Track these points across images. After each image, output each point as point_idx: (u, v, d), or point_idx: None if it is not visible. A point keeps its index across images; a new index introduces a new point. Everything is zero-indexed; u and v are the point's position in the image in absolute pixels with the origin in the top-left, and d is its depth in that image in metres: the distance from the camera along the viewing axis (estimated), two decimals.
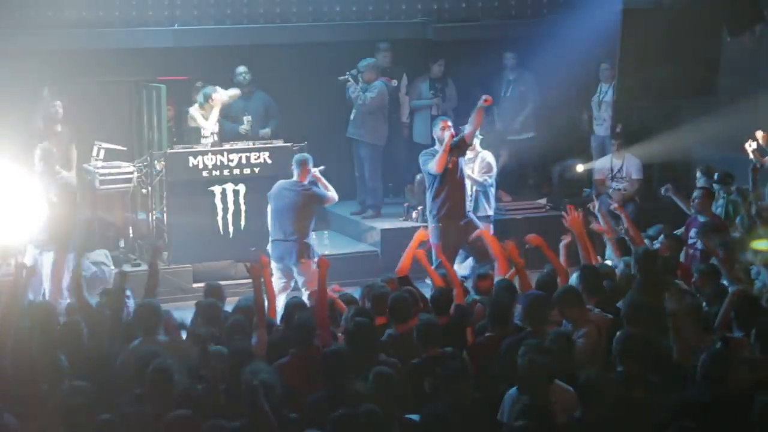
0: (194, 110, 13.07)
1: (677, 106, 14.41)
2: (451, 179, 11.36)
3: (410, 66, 14.37)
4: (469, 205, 11.81)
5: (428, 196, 11.55)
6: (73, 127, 12.85)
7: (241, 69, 13.61)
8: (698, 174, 11.98)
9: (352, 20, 14.48)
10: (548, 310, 7.89)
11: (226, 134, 13.30)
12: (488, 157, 12.28)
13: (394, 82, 13.94)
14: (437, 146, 11.39)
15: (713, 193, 11.38)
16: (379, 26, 14.57)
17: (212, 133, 12.98)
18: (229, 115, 13.52)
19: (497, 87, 14.74)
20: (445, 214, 11.35)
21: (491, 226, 12.18)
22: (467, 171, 11.78)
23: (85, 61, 13.56)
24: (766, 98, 13.66)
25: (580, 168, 14.00)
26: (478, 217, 11.93)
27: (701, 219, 11.04)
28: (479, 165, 12.17)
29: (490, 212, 12.34)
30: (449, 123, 11.47)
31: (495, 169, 12.34)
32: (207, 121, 12.95)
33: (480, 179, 12.15)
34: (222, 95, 13.04)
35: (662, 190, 11.75)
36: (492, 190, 12.33)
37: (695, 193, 11.23)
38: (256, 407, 6.31)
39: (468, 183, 11.74)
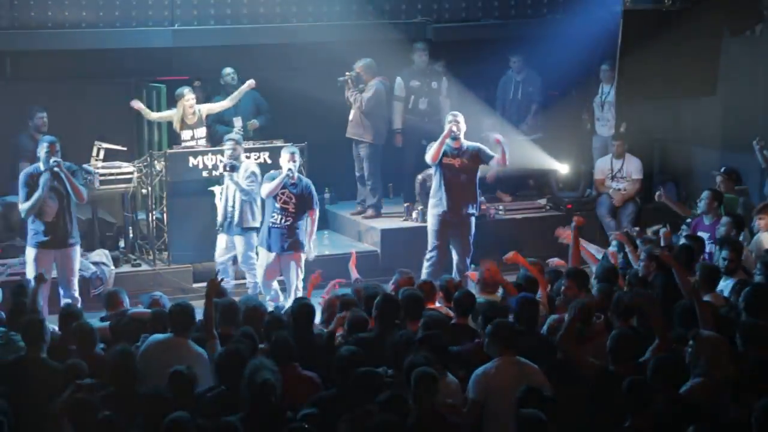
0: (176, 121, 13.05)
1: (677, 106, 14.45)
2: (452, 179, 11.56)
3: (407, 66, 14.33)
4: (236, 216, 11.63)
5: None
6: (55, 138, 12.83)
7: (229, 70, 13.62)
8: (718, 178, 12.04)
9: (351, 20, 14.47)
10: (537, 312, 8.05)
11: (219, 138, 13.24)
12: (252, 166, 11.87)
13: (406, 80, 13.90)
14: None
15: (721, 195, 11.40)
16: (379, 26, 14.56)
17: (195, 139, 13.01)
18: (221, 118, 13.55)
19: (505, 89, 14.73)
20: (441, 211, 11.58)
21: (254, 237, 11.76)
22: (236, 178, 11.61)
23: (85, 61, 13.55)
24: (766, 98, 13.67)
25: (564, 169, 14.01)
26: (244, 229, 11.69)
27: (706, 221, 11.06)
28: (244, 174, 11.64)
29: (256, 224, 11.77)
30: (458, 118, 11.57)
31: (260, 179, 11.78)
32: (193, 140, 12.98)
33: (247, 188, 11.66)
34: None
35: (656, 197, 11.77)
36: (258, 201, 11.81)
37: (703, 194, 11.25)
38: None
39: (238, 194, 11.60)
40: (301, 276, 11.35)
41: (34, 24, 13.39)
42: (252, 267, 11.75)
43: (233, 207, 11.65)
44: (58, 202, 10.82)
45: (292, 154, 11.27)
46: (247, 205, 11.67)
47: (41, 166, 10.78)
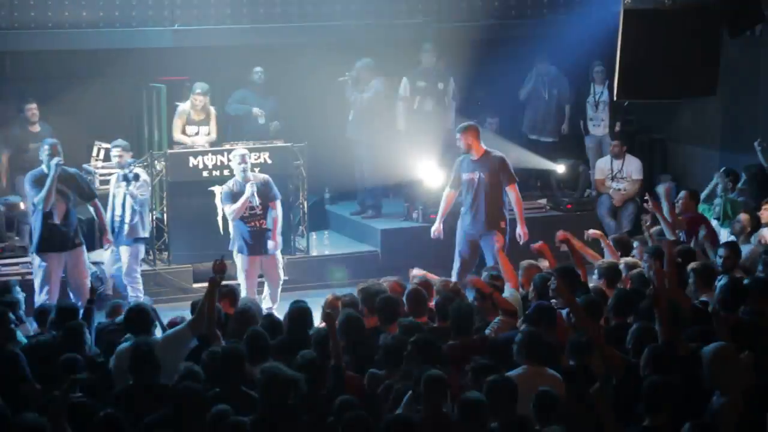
0: (178, 134, 13.06)
1: (677, 106, 14.47)
2: (476, 193, 11.23)
3: (410, 66, 14.31)
4: (126, 226, 11.20)
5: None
6: (50, 127, 12.91)
7: (258, 69, 13.72)
8: (718, 177, 12.04)
9: (352, 20, 14.47)
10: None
11: (235, 116, 13.57)
12: (143, 174, 11.53)
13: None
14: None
15: (697, 194, 11.41)
16: (379, 26, 14.56)
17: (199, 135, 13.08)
18: (245, 102, 13.72)
19: (535, 86, 14.67)
20: (467, 225, 11.29)
21: (142, 248, 11.50)
22: (124, 190, 11.22)
23: (85, 61, 13.57)
24: (766, 98, 13.68)
25: (560, 169, 14.00)
26: (136, 239, 11.29)
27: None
28: (137, 183, 11.24)
29: (146, 234, 11.50)
30: (458, 138, 11.27)
31: (150, 187, 11.60)
32: (198, 135, 12.97)
33: (140, 197, 11.29)
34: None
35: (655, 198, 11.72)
36: (148, 210, 11.53)
37: (680, 194, 11.29)
38: None
39: (128, 203, 11.20)
40: (282, 274, 11.34)
41: (34, 24, 13.41)
42: (135, 280, 11.36)
43: (121, 217, 11.27)
44: (65, 204, 10.78)
45: (243, 156, 11.11)
46: (138, 215, 11.29)
47: (44, 168, 10.70)
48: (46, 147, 10.74)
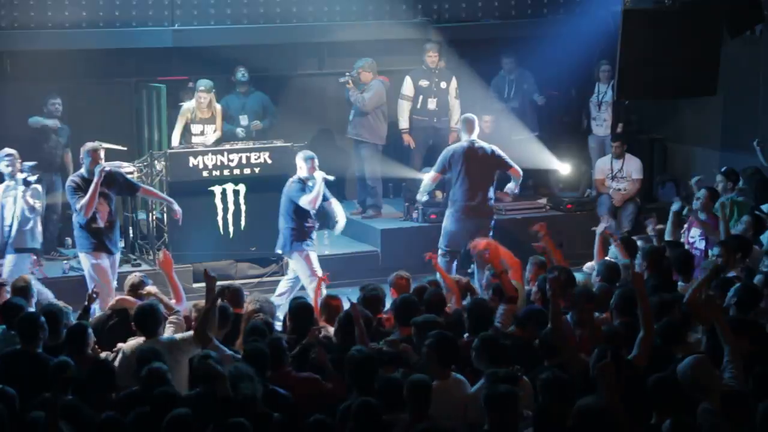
0: (178, 135, 13.00)
1: (677, 106, 14.48)
2: None
3: (411, 66, 14.31)
4: (13, 234, 10.78)
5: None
6: (68, 129, 12.93)
7: (241, 68, 13.64)
8: (718, 177, 12.02)
9: (351, 20, 14.48)
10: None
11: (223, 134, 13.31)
12: (38, 185, 11.12)
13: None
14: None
15: (718, 193, 11.42)
16: (379, 26, 14.56)
17: (204, 135, 13.03)
18: (226, 114, 13.54)
19: (499, 89, 14.71)
20: None
21: (28, 260, 10.90)
22: (24, 202, 10.79)
23: (85, 61, 13.56)
24: (766, 98, 13.68)
25: (565, 170, 14.00)
26: (18, 250, 10.85)
27: (702, 217, 11.03)
28: (31, 192, 10.87)
29: (35, 245, 11.03)
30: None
31: (43, 199, 11.21)
32: (204, 135, 12.94)
33: (34, 204, 10.89)
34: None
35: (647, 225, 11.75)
36: (39, 220, 11.02)
37: (699, 192, 11.25)
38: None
39: (18, 210, 10.80)
40: None
41: (34, 24, 13.41)
42: None
43: (10, 226, 10.90)
44: (108, 206, 10.72)
45: (312, 159, 11.18)
46: (30, 222, 10.93)
47: (84, 173, 10.67)
48: (88, 152, 10.69)
